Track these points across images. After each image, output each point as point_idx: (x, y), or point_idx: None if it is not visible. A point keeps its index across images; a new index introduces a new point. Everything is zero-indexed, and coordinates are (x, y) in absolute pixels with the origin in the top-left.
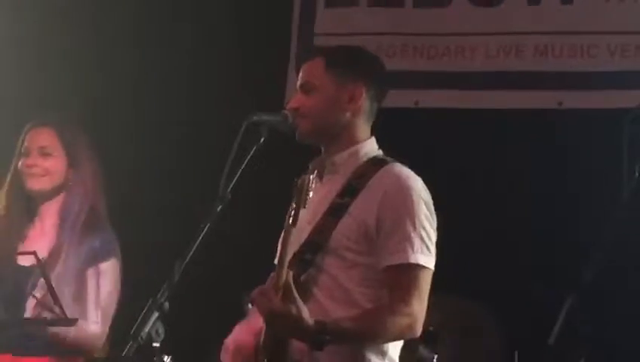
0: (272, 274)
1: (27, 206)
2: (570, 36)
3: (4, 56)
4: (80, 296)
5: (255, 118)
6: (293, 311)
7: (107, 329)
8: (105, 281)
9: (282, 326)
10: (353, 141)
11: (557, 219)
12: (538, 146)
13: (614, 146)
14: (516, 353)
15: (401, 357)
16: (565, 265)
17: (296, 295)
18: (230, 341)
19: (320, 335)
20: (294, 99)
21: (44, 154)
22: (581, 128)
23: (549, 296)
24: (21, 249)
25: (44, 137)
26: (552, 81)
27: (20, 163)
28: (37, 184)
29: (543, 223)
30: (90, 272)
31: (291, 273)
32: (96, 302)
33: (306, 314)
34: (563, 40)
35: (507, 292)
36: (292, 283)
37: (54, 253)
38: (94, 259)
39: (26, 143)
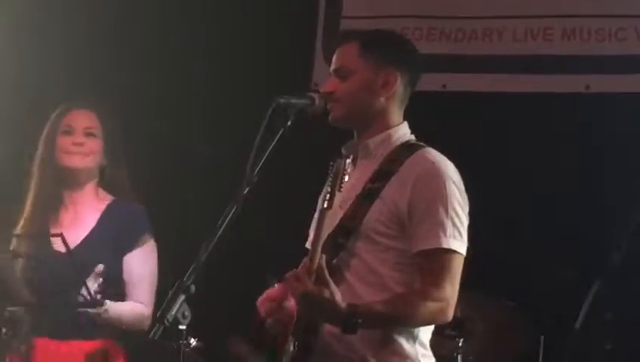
0: (304, 259)
1: (61, 186)
2: (598, 19)
3: (29, 44)
4: (124, 279)
5: (282, 100)
6: (326, 294)
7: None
8: (148, 261)
9: (315, 310)
10: (386, 125)
11: (583, 203)
12: (565, 130)
13: None
14: (542, 337)
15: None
16: (592, 250)
17: (329, 278)
18: (271, 292)
19: (352, 319)
20: (328, 83)
21: (90, 135)
22: (608, 112)
23: (575, 280)
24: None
25: (89, 119)
26: (579, 64)
27: (61, 140)
28: (82, 162)
29: (569, 208)
30: (133, 254)
31: (324, 257)
32: (143, 283)
33: (339, 297)
34: (591, 23)
35: (533, 277)
36: (325, 267)
37: (91, 241)
38: (134, 241)
39: (69, 123)
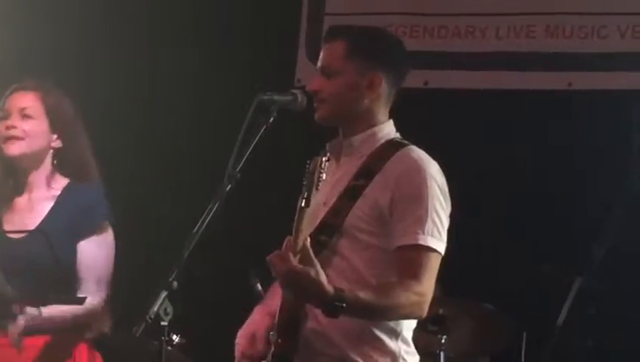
0: (287, 237)
1: (11, 174)
2: (580, 17)
3: None
4: (73, 269)
5: (265, 97)
6: (312, 273)
7: (104, 298)
8: (100, 250)
9: (300, 288)
10: (371, 124)
11: (566, 201)
12: (547, 127)
13: (623, 128)
14: (524, 334)
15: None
16: (574, 247)
17: (314, 259)
18: (246, 327)
19: (337, 302)
20: (315, 81)
21: (25, 116)
22: (590, 109)
23: (557, 277)
24: (7, 220)
25: (26, 100)
26: (562, 61)
27: (0, 127)
28: (16, 149)
29: (551, 205)
30: (85, 243)
31: (309, 239)
32: (92, 273)
33: (324, 278)
34: (573, 21)
35: (515, 273)
36: (310, 248)
37: (42, 228)
38: (85, 229)
39: (5, 106)
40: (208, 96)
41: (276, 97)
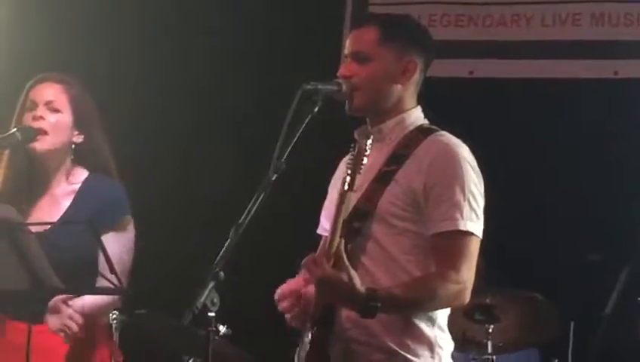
0: (324, 238)
1: (36, 172)
2: (626, 5)
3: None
4: (92, 264)
5: (310, 86)
6: (345, 278)
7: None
8: (119, 243)
9: (334, 294)
10: (400, 110)
11: (612, 190)
12: (593, 116)
13: None
14: (572, 323)
15: (455, 323)
16: (621, 237)
17: (347, 262)
18: (287, 284)
19: (371, 303)
20: (346, 67)
21: (51, 108)
22: (637, 97)
23: (605, 266)
24: (31, 217)
25: (52, 91)
26: (607, 50)
27: (25, 118)
28: (42, 144)
29: (597, 195)
30: (106, 237)
31: (342, 241)
32: (108, 267)
33: (357, 281)
34: (619, 8)
35: (563, 263)
36: (343, 251)
37: (62, 223)
38: (110, 223)
39: (31, 97)
40: (252, 87)
41: (320, 86)
